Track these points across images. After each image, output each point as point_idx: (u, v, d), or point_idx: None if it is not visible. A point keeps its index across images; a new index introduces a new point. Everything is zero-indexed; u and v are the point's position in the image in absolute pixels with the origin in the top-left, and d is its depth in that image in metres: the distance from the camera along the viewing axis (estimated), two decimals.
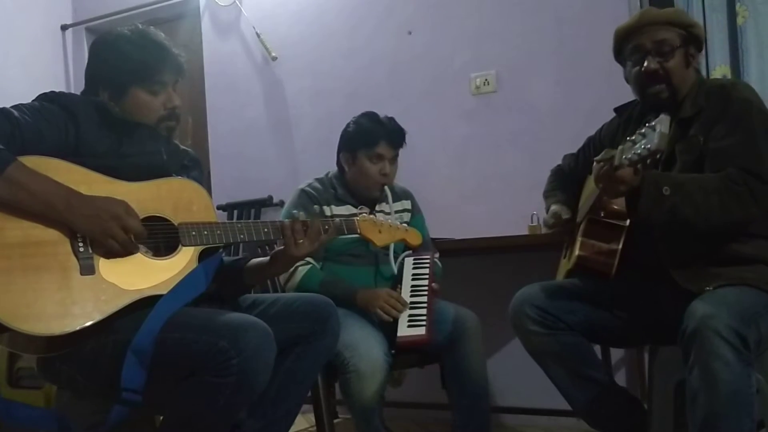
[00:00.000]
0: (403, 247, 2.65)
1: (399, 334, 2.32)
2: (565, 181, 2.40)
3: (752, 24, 2.81)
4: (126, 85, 1.84)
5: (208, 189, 3.95)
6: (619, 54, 2.14)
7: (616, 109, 2.27)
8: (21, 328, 1.52)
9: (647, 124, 1.70)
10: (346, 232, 2.03)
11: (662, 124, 1.66)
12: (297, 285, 2.45)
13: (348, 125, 2.66)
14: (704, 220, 1.82)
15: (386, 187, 2.60)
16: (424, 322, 2.33)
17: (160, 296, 1.68)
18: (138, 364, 1.59)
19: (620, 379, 3.02)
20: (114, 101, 1.84)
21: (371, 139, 2.56)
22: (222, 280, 1.88)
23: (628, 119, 2.20)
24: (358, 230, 2.03)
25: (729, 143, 1.87)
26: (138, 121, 1.85)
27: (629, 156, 1.70)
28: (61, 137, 1.71)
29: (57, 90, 1.83)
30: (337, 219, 2.03)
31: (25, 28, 4.28)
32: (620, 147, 1.77)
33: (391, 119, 2.63)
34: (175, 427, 1.67)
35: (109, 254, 1.66)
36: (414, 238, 2.19)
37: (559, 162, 2.49)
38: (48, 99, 1.78)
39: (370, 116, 2.63)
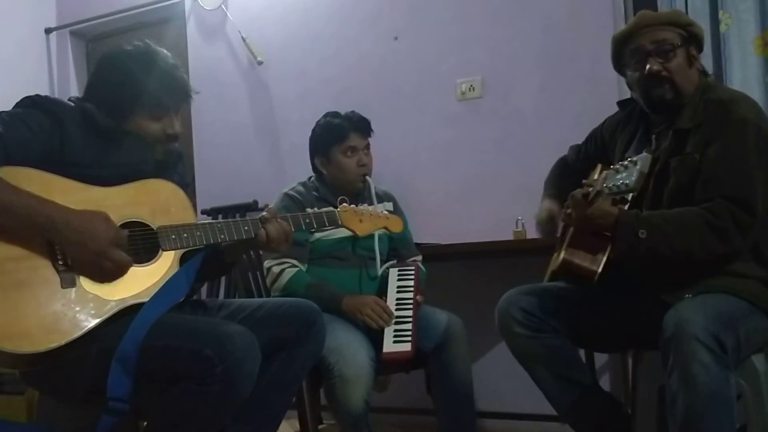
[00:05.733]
0: (389, 250, 2.66)
1: (384, 349, 2.32)
2: (567, 173, 2.37)
3: (735, 31, 2.83)
4: (128, 110, 1.82)
5: (193, 191, 3.96)
6: (619, 60, 2.11)
7: (619, 103, 2.25)
8: (5, 348, 1.50)
9: (629, 159, 1.72)
10: (327, 224, 2.00)
11: (643, 162, 1.69)
12: (283, 287, 2.44)
13: (313, 130, 2.71)
14: (684, 257, 1.83)
15: (368, 179, 2.62)
16: (409, 338, 2.33)
17: (143, 304, 1.66)
18: (123, 372, 1.58)
19: (604, 383, 3.03)
20: (117, 122, 1.81)
21: (340, 133, 2.62)
22: (203, 263, 1.84)
23: (629, 115, 2.18)
24: (339, 221, 2.00)
25: (720, 169, 1.85)
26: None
27: (609, 185, 1.74)
28: (47, 145, 1.68)
29: (41, 93, 1.79)
30: (318, 211, 2.00)
31: (9, 31, 4.24)
32: (605, 172, 1.79)
33: (353, 112, 2.69)
34: None
35: (89, 276, 1.63)
36: (395, 225, 2.15)
37: (547, 164, 2.48)
38: (32, 104, 1.73)
39: (332, 114, 2.69)
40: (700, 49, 2.06)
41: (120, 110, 1.82)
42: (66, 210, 1.61)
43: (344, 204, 2.08)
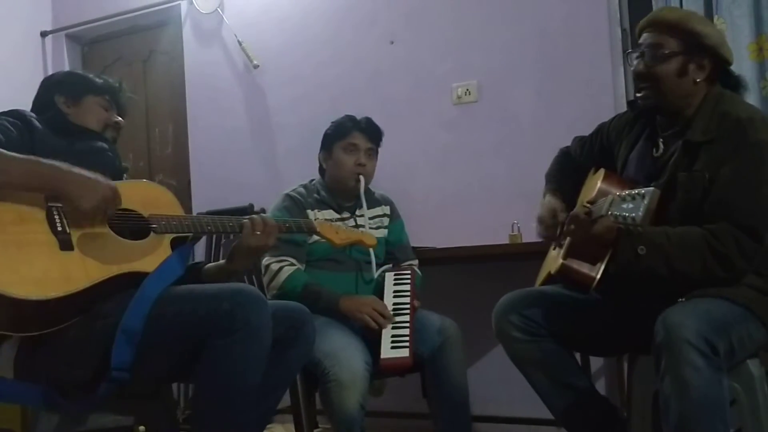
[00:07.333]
0: (384, 254, 2.66)
1: (383, 356, 2.31)
2: (569, 167, 2.34)
3: (729, 36, 2.84)
4: (82, 92, 2.06)
5: (189, 194, 3.96)
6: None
7: (629, 103, 2.21)
8: (8, 292, 1.52)
9: (637, 192, 1.70)
10: (305, 231, 2.18)
11: (650, 198, 1.66)
12: (280, 285, 2.43)
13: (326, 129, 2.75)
14: (682, 279, 1.81)
15: (361, 178, 2.62)
16: (407, 344, 2.32)
17: (140, 273, 1.74)
18: (127, 342, 1.65)
19: (600, 387, 3.03)
20: (67, 105, 2.03)
21: (344, 130, 2.66)
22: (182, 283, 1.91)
23: (637, 116, 2.13)
24: (317, 229, 2.15)
25: (731, 194, 1.80)
26: (86, 126, 2.02)
27: (614, 212, 1.71)
28: (21, 143, 1.80)
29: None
30: (298, 219, 2.22)
31: (5, 34, 4.24)
32: (610, 197, 1.76)
33: (367, 117, 2.73)
34: (208, 405, 1.70)
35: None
36: (369, 240, 2.28)
37: (543, 167, 2.45)
38: None
39: (347, 116, 2.73)
40: (718, 60, 1.94)
41: (76, 93, 2.05)
42: (69, 165, 1.71)
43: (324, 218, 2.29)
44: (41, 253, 1.63)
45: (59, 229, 1.68)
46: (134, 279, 1.73)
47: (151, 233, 1.83)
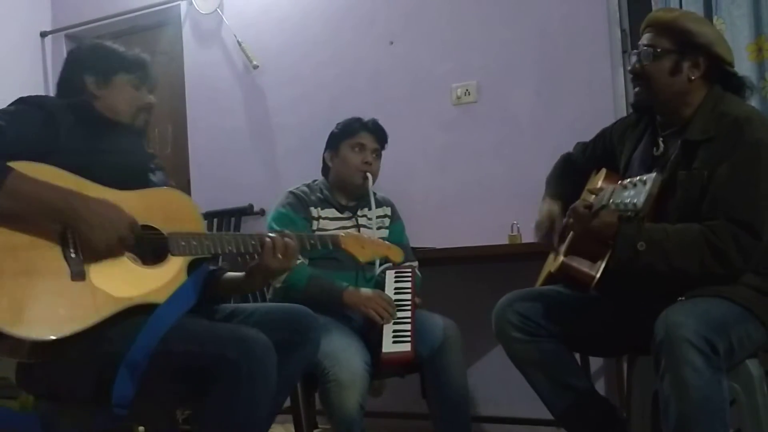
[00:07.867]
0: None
1: (384, 350, 2.30)
2: (570, 171, 2.35)
3: (729, 37, 2.83)
4: (113, 71, 1.92)
5: (188, 195, 3.95)
6: None
7: (633, 105, 2.20)
8: (10, 331, 1.50)
9: (639, 179, 1.70)
10: (331, 247, 2.08)
11: (652, 183, 1.66)
12: (285, 278, 2.43)
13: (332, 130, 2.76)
14: (681, 275, 1.81)
15: (369, 176, 2.63)
16: (408, 339, 2.32)
17: (151, 305, 1.68)
18: (130, 378, 1.59)
19: (599, 387, 3.03)
20: (98, 86, 1.90)
21: (352, 130, 2.69)
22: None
23: (639, 118, 2.14)
24: (342, 245, 2.07)
25: (729, 192, 1.81)
26: (114, 116, 1.90)
27: (617, 201, 1.72)
28: (41, 137, 1.73)
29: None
30: (324, 234, 2.11)
31: (4, 34, 4.24)
32: (612, 187, 1.77)
33: (374, 119, 2.75)
34: None
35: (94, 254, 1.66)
36: (396, 255, 2.24)
37: (542, 168, 2.45)
38: (23, 102, 1.80)
39: (354, 117, 2.76)
40: (714, 59, 1.94)
41: (105, 73, 1.92)
42: (85, 196, 1.66)
43: (349, 230, 2.19)
44: (51, 284, 1.58)
45: (72, 255, 1.62)
46: (145, 308, 1.67)
47: (168, 255, 1.77)
